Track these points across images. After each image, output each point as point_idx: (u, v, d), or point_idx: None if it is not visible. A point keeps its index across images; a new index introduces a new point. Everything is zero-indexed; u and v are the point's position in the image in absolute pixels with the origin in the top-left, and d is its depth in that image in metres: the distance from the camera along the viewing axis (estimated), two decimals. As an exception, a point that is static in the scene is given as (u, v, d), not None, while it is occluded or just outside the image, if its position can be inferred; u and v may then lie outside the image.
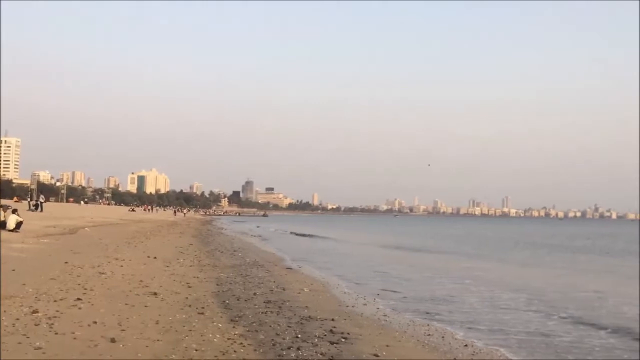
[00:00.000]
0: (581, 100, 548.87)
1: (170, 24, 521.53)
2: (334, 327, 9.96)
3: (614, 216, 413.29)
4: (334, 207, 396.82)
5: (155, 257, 19.27)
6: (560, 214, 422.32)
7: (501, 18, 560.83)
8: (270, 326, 9.55)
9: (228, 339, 8.31)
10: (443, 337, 10.49)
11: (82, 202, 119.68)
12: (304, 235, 48.59)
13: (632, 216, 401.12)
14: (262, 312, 10.82)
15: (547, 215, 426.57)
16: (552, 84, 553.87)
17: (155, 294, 11.70)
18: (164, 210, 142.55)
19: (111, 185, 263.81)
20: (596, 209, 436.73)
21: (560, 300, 16.04)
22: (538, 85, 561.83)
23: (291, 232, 59.90)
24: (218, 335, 8.43)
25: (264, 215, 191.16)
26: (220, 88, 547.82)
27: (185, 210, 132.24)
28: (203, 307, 10.69)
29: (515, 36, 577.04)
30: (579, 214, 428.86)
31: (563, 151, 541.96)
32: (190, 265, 18.33)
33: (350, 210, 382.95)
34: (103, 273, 13.97)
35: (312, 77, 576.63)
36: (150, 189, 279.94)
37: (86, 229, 31.60)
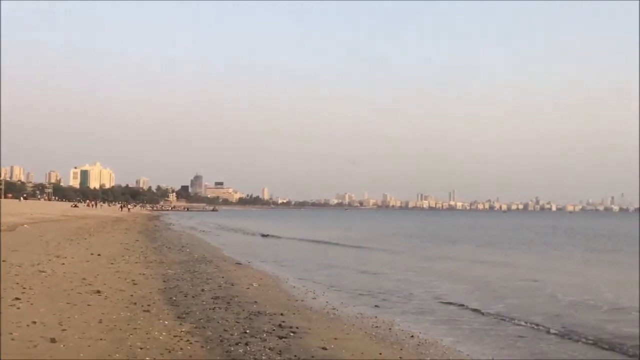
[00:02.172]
0: (522, 95, 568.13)
1: (112, 14, 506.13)
2: (283, 321, 9.98)
3: (554, 208, 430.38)
4: (285, 201, 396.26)
5: (99, 255, 18.77)
6: (504, 207, 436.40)
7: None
8: (218, 322, 9.47)
9: (174, 336, 8.18)
10: (390, 328, 10.67)
11: (21, 198, 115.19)
12: (254, 234, 48.14)
13: (570, 208, 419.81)
14: (210, 309, 10.71)
15: (492, 208, 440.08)
16: (494, 77, 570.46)
17: (98, 292, 11.40)
18: (109, 205, 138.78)
19: (52, 180, 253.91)
20: (537, 202, 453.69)
21: (501, 290, 16.60)
22: (480, 80, 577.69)
23: (238, 230, 59.40)
24: (164, 333, 8.29)
25: (214, 210, 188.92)
26: (168, 82, 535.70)
27: (130, 206, 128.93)
28: (149, 305, 10.49)
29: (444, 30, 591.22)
30: (521, 207, 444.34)
31: (505, 146, 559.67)
32: (136, 262, 17.95)
33: (301, 205, 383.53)
34: (43, 271, 13.50)
35: (263, 68, 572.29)
36: (94, 184, 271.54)
37: (25, 225, 30.42)
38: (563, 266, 25.80)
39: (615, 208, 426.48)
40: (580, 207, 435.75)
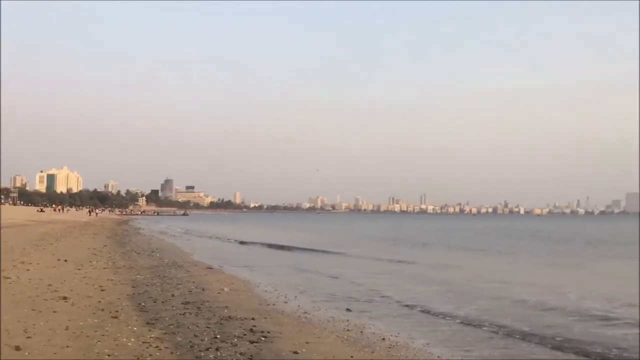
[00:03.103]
0: (493, 100, 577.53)
1: (79, 15, 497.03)
2: (254, 326, 9.92)
3: (522, 212, 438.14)
4: (257, 205, 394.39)
5: (65, 260, 18.40)
6: (474, 210, 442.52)
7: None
8: (188, 328, 9.37)
9: (143, 342, 8.07)
10: (362, 331, 10.70)
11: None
12: (226, 239, 47.73)
13: (538, 211, 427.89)
14: (180, 314, 10.59)
15: (462, 211, 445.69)
16: (463, 82, 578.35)
17: (65, 298, 11.17)
18: (77, 210, 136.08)
19: (17, 185, 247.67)
20: (506, 205, 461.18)
21: (471, 292, 16.83)
22: (450, 87, 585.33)
23: (207, 234, 58.89)
24: (133, 339, 8.17)
25: (184, 215, 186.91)
26: (136, 85, 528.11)
27: (98, 210, 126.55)
28: (117, 311, 10.32)
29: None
30: (490, 210, 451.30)
31: (475, 150, 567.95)
32: (104, 268, 17.66)
33: (273, 209, 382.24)
34: (7, 278, 13.18)
35: (232, 74, 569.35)
36: (61, 188, 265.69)
37: (-11, 231, 29.55)
38: (529, 268, 26.29)
39: (581, 211, 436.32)
40: (547, 210, 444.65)
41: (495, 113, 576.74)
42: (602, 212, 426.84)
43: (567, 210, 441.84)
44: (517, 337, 10.81)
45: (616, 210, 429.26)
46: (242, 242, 42.05)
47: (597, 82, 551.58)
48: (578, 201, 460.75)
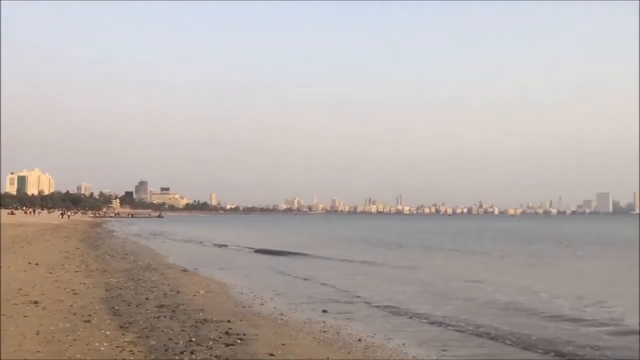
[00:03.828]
0: (462, 101, 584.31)
1: (50, 17, 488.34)
2: (230, 328, 9.86)
3: (496, 212, 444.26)
4: (233, 207, 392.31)
5: (37, 264, 18.07)
6: (449, 211, 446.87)
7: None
8: (162, 331, 9.26)
9: (116, 346, 7.95)
10: (338, 332, 10.72)
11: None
12: (202, 241, 47.32)
13: (512, 212, 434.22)
14: (154, 317, 10.47)
15: (438, 212, 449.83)
16: (441, 85, 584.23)
17: (36, 302, 10.97)
18: (49, 212, 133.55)
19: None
20: (481, 206, 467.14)
21: (446, 292, 16.99)
22: (419, 86, 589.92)
23: (183, 237, 58.38)
24: (105, 344, 8.05)
25: (159, 217, 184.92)
26: (110, 86, 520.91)
27: (70, 213, 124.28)
28: (90, 315, 10.16)
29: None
30: (465, 210, 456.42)
31: (450, 152, 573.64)
32: (77, 271, 17.39)
33: (250, 210, 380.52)
34: (-25, 282, 12.84)
35: (211, 73, 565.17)
36: (32, 190, 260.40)
37: (-44, 234, 28.82)
38: (502, 268, 26.64)
39: (554, 211, 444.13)
40: (521, 210, 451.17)
41: (469, 116, 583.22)
42: (573, 212, 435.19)
43: (540, 211, 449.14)
44: (492, 337, 10.93)
45: (587, 210, 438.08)
46: (217, 245, 41.75)
47: (570, 85, 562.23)
48: (551, 201, 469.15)
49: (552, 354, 9.74)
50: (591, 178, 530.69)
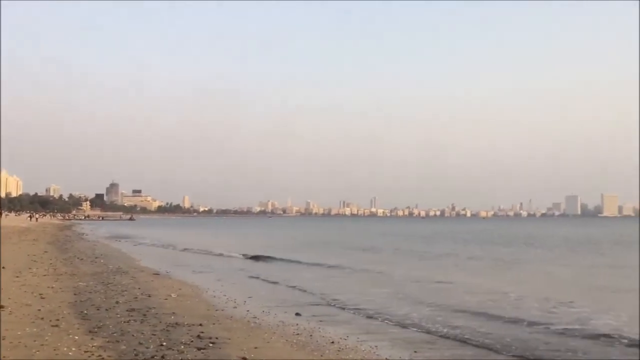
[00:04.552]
0: (435, 105, 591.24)
1: (20, 17, 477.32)
2: (202, 332, 9.78)
3: (468, 214, 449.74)
4: (206, 209, 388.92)
5: (3, 267, 17.69)
6: (422, 213, 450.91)
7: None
8: (133, 335, 9.14)
9: (85, 351, 7.82)
10: (311, 335, 10.73)
11: None
12: (173, 245, 46.70)
13: (483, 214, 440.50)
14: (124, 321, 10.32)
15: (411, 214, 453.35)
16: (404, 87, 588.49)
17: (2, 307, 10.72)
18: (16, 215, 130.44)
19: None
20: (453, 208, 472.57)
21: (419, 294, 17.15)
22: (398, 93, 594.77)
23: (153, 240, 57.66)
24: (74, 349, 7.91)
25: (131, 219, 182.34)
26: (80, 86, 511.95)
27: (38, 215, 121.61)
28: (58, 319, 9.98)
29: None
30: (438, 213, 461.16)
31: (423, 155, 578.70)
32: (45, 275, 17.06)
33: (223, 213, 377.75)
34: (-62, 287, 12.49)
35: (181, 72, 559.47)
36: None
37: None
38: (472, 269, 27.02)
39: (524, 214, 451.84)
40: (492, 213, 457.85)
41: (440, 119, 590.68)
42: (543, 215, 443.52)
43: (511, 213, 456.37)
44: (462, 339, 11.06)
45: (556, 213, 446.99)
46: (188, 248, 41.27)
47: (538, 90, 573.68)
48: (521, 204, 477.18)
49: (522, 355, 9.90)
50: (560, 182, 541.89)
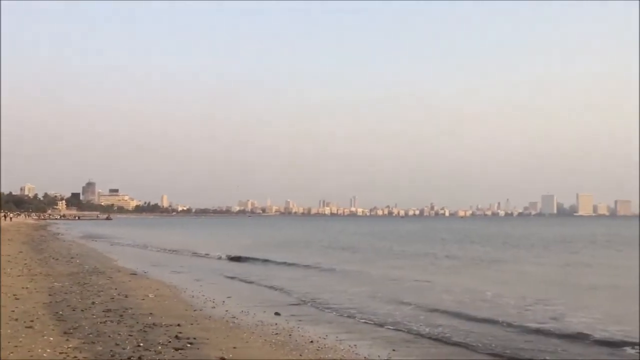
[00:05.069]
0: (415, 105, 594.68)
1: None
2: (180, 332, 9.71)
3: (447, 214, 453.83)
4: (185, 208, 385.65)
5: (-25, 268, 17.26)
6: (402, 212, 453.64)
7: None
8: (109, 336, 9.03)
9: (60, 353, 7.71)
10: (290, 335, 10.72)
11: None
12: (150, 246, 46.12)
13: (462, 213, 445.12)
14: (100, 322, 10.20)
15: (390, 213, 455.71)
16: (390, 86, 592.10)
17: (-26, 309, 10.47)
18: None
19: None
20: (432, 208, 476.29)
21: (397, 293, 17.24)
22: (380, 90, 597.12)
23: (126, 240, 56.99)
24: (49, 350, 7.79)
25: (108, 219, 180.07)
26: (56, 82, 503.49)
27: (12, 215, 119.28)
28: (32, 320, 9.83)
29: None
30: (417, 212, 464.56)
31: (402, 155, 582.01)
32: (19, 275, 16.79)
33: (202, 212, 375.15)
34: None
35: (156, 71, 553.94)
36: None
37: None
38: (450, 268, 27.27)
39: (501, 213, 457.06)
40: (470, 212, 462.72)
41: (420, 120, 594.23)
42: (520, 214, 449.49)
43: (489, 212, 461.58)
44: (440, 338, 11.15)
45: (533, 212, 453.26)
46: (166, 248, 40.89)
47: (512, 91, 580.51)
48: (499, 203, 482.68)
49: (499, 353, 10.01)
50: (536, 181, 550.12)
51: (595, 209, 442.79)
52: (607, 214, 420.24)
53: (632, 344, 10.40)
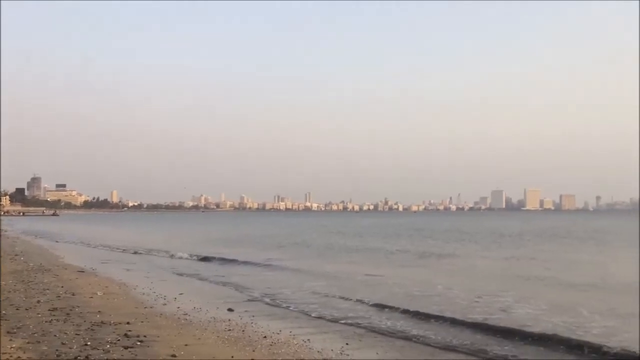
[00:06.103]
0: (367, 100, 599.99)
1: None
2: (130, 330, 9.51)
3: (400, 208, 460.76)
4: (136, 204, 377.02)
5: None
6: (356, 207, 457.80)
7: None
8: (55, 335, 8.77)
9: (3, 353, 7.46)
10: (244, 330, 10.66)
11: None
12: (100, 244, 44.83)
13: (415, 208, 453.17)
14: (46, 321, 9.89)
15: (345, 208, 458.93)
16: (343, 83, 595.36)
17: None
18: None
19: None
20: (386, 202, 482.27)
21: (353, 288, 17.39)
22: (346, 92, 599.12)
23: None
24: (-10, 351, 7.47)
25: (54, 215, 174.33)
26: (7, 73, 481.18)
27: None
28: (-28, 321, 9.38)
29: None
30: (372, 207, 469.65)
31: (355, 150, 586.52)
32: (-42, 274, 15.98)
33: (154, 208, 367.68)
34: None
35: (121, 69, 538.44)
36: None
37: None
38: (402, 262, 27.71)
39: (453, 207, 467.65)
40: (423, 207, 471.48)
41: (374, 115, 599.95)
42: (471, 208, 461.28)
43: (441, 207, 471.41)
44: (390, 331, 11.34)
45: (483, 207, 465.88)
46: (115, 246, 39.87)
47: (465, 87, 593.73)
48: (450, 198, 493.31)
49: (447, 345, 10.25)
50: (486, 177, 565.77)
51: (541, 203, 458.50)
52: (552, 208, 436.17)
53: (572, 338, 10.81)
